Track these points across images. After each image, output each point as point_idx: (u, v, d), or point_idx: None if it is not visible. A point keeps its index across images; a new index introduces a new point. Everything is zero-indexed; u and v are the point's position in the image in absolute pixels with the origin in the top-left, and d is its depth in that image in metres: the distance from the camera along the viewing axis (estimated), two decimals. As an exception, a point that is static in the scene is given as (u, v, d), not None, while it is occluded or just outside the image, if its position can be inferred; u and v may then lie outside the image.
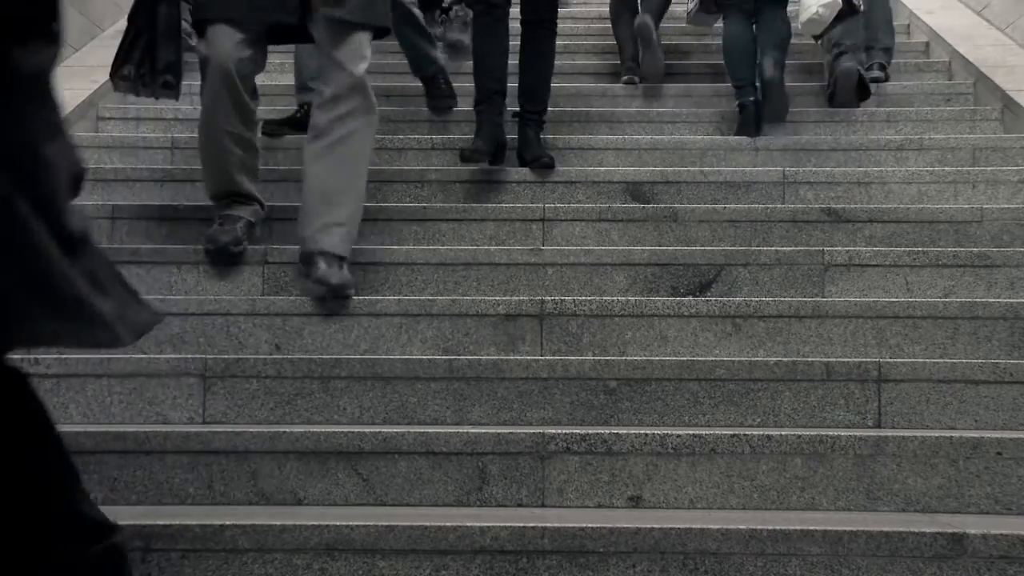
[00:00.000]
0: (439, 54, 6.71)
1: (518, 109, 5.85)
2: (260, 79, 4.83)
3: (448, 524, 3.27)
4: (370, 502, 3.67)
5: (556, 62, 6.00)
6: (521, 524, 3.26)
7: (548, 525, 3.26)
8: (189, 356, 4.25)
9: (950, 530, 3.23)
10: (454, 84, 6.64)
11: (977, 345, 4.40)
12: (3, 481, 2.22)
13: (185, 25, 5.10)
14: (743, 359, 4.16)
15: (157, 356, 4.28)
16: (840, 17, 6.59)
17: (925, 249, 4.94)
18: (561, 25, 6.18)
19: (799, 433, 3.71)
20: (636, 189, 5.69)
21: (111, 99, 6.69)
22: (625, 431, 3.73)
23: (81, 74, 6.86)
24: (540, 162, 5.70)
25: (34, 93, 2.08)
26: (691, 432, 3.71)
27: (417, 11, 6.67)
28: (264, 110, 6.57)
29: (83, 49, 7.38)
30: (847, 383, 4.04)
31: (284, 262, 4.86)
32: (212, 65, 4.61)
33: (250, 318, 4.52)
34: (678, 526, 3.26)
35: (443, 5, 7.13)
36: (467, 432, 3.73)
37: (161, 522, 3.27)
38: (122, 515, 3.38)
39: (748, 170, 5.84)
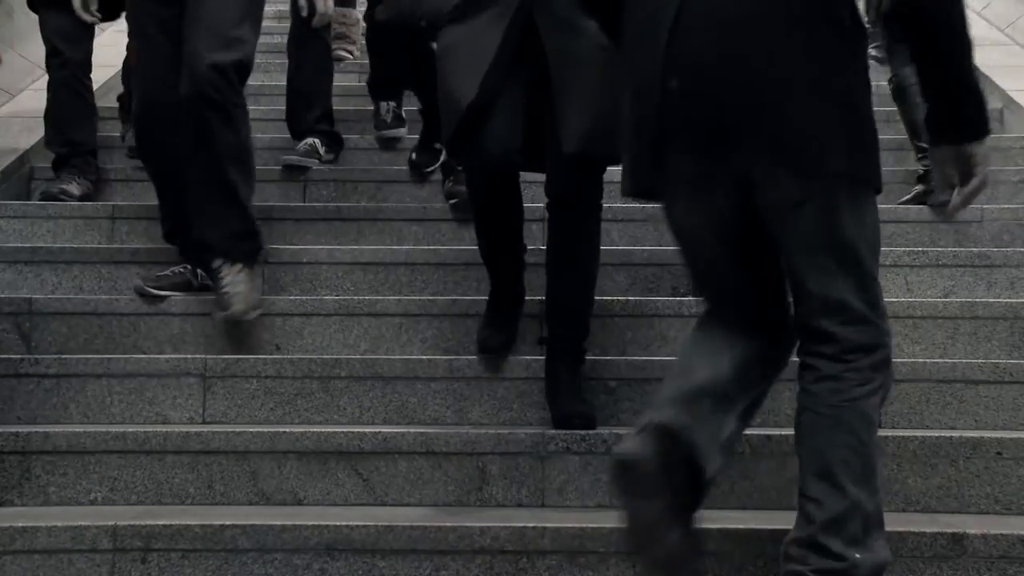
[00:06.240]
0: None
1: (545, 336, 4.08)
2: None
3: (448, 524, 3.27)
4: (370, 502, 3.67)
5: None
6: (521, 524, 3.26)
7: (548, 525, 3.26)
8: (189, 356, 4.25)
9: (950, 530, 3.23)
10: None
11: (977, 345, 4.39)
12: None
13: None
14: (743, 359, 4.15)
15: (157, 356, 4.28)
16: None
17: (925, 249, 4.93)
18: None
19: (799, 433, 3.70)
20: (636, 189, 5.67)
21: (111, 100, 6.68)
22: (625, 431, 3.73)
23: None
24: (571, 424, 3.78)
25: None
26: (691, 432, 3.70)
27: None
28: (263, 110, 6.59)
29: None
30: (847, 383, 4.03)
31: (284, 262, 4.86)
32: None
33: (250, 318, 4.51)
34: (678, 526, 3.26)
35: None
36: (467, 432, 3.73)
37: (161, 522, 3.28)
38: (122, 515, 3.39)
39: (748, 170, 5.83)
